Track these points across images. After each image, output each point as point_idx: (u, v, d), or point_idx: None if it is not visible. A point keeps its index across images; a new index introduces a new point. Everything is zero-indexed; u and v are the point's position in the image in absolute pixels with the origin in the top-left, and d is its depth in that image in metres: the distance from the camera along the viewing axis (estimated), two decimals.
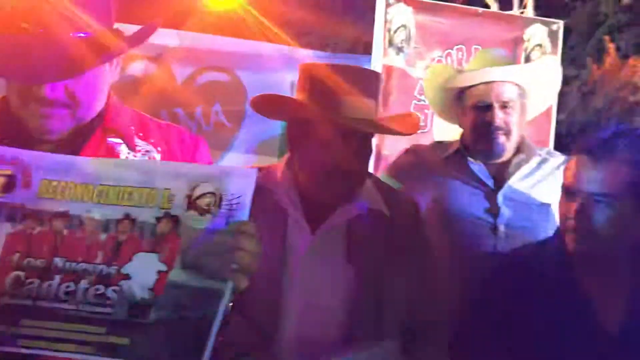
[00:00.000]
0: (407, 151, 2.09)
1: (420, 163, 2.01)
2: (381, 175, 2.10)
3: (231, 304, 0.93)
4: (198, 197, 0.92)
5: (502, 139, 1.89)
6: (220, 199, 0.92)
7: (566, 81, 4.15)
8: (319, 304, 1.37)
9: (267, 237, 1.17)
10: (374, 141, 2.40)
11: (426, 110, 2.62)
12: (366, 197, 1.44)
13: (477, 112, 1.90)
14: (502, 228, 1.88)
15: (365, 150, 1.41)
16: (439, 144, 2.11)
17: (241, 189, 0.92)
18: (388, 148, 2.45)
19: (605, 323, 1.38)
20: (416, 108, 2.60)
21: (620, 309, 1.39)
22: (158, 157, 1.19)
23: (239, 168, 1.14)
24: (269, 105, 1.45)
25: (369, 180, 1.48)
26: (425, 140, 2.61)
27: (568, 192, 1.41)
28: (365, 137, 1.40)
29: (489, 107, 1.87)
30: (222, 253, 0.89)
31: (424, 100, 2.60)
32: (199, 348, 0.84)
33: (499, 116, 1.86)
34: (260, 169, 1.34)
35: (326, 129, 1.34)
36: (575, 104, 4.30)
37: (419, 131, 2.56)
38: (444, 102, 2.03)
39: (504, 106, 1.87)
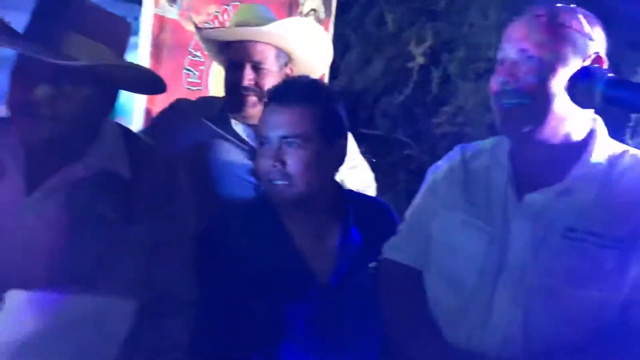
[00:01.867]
0: (170, 107, 1.97)
1: (183, 120, 1.90)
2: (139, 131, 1.97)
3: None
4: None
5: (252, 100, 1.84)
6: None
7: (347, 48, 4.31)
8: (26, 277, 1.20)
9: None
10: (143, 95, 2.27)
11: (201, 67, 2.51)
12: (103, 156, 1.29)
13: (230, 70, 1.84)
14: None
15: (101, 101, 1.26)
16: (205, 101, 2.03)
17: None
18: (159, 104, 2.30)
19: (317, 271, 1.49)
20: (191, 64, 2.48)
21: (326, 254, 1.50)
22: None
23: None
24: None
25: (114, 138, 1.34)
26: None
27: (262, 140, 1.49)
28: (99, 86, 1.23)
29: (240, 67, 1.82)
30: None
31: (199, 56, 2.50)
32: None
33: (248, 77, 1.82)
34: None
35: (41, 68, 1.15)
36: (353, 71, 4.49)
37: (193, 88, 2.47)
38: (215, 56, 1.96)
39: (256, 67, 1.82)
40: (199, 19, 2.47)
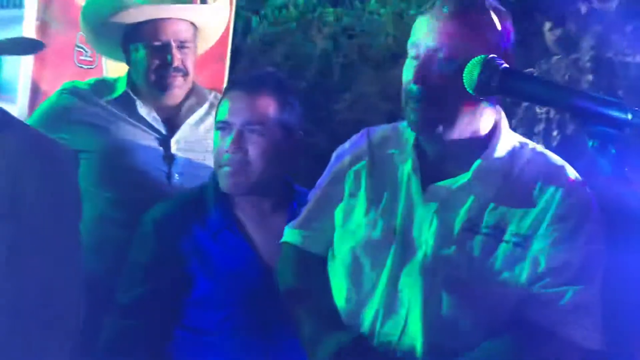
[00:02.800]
0: (61, 92, 1.85)
1: (78, 105, 1.79)
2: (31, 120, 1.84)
3: None
4: None
5: (179, 80, 1.80)
6: None
7: (249, 31, 4.26)
8: None
9: None
10: (29, 71, 2.12)
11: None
12: None
13: (152, 50, 1.76)
14: (176, 176, 1.80)
15: None
16: (102, 84, 1.93)
17: None
18: (48, 82, 2.15)
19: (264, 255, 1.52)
20: (82, 40, 2.32)
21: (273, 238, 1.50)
22: None
23: None
24: None
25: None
26: (93, 76, 2.37)
27: (223, 126, 1.51)
28: None
29: (165, 47, 1.76)
30: None
31: None
32: None
33: (177, 56, 1.77)
34: None
35: None
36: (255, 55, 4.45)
37: (85, 66, 2.33)
38: (108, 37, 1.83)
39: (181, 46, 1.78)
40: None
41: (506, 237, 1.23)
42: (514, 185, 1.27)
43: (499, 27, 1.23)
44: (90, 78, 2.10)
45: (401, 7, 3.69)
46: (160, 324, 1.48)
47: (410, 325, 1.26)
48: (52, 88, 2.21)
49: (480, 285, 1.24)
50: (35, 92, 2.17)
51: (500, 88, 1.09)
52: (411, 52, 1.26)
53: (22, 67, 2.13)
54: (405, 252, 1.28)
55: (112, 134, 1.78)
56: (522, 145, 1.33)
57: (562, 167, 1.30)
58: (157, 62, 1.79)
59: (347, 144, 1.48)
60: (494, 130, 1.32)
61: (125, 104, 1.81)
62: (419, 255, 1.27)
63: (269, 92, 1.51)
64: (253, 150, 1.48)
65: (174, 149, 1.85)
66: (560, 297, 1.21)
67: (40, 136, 1.38)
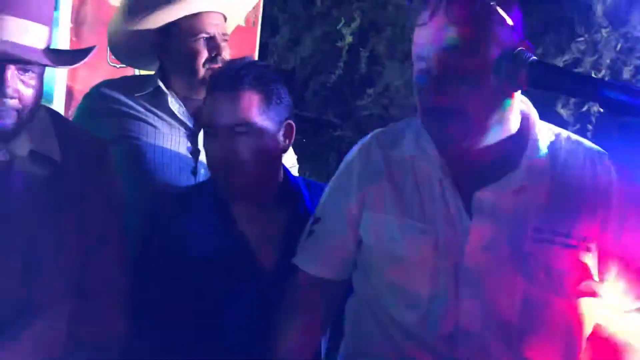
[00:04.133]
0: (96, 88, 1.89)
1: (111, 100, 1.83)
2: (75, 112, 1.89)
3: None
4: None
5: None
6: None
7: (276, 28, 4.29)
8: None
9: None
10: (64, 72, 2.18)
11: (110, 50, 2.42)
12: (32, 139, 1.25)
13: (201, 44, 1.78)
14: (202, 171, 1.82)
15: (40, 83, 1.21)
16: (133, 80, 1.96)
17: None
18: (81, 82, 2.20)
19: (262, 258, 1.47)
20: None
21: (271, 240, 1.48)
22: None
23: None
24: None
25: (43, 121, 1.29)
26: (125, 75, 2.42)
27: (209, 131, 1.45)
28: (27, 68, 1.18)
29: (213, 39, 1.78)
30: None
31: None
32: None
33: (225, 49, 1.79)
34: None
35: None
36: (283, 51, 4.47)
37: (118, 65, 2.38)
38: (142, 38, 1.86)
39: (224, 39, 1.80)
40: None
41: (572, 242, 1.13)
42: (564, 181, 1.16)
43: (508, 19, 1.11)
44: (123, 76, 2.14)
45: None
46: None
47: (477, 344, 1.16)
48: (86, 87, 2.26)
49: (553, 298, 1.14)
50: (70, 91, 2.23)
51: (530, 81, 1.08)
52: (419, 64, 1.15)
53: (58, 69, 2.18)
54: (458, 268, 1.15)
55: (143, 128, 1.81)
56: (557, 136, 1.22)
57: (603, 155, 1.19)
58: (206, 55, 1.80)
59: (355, 151, 1.33)
60: (527, 123, 1.20)
61: (157, 99, 1.83)
62: (475, 270, 1.14)
63: (251, 87, 1.42)
64: (243, 152, 1.41)
65: (200, 143, 1.88)
66: None
67: (79, 129, 1.43)
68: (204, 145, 1.51)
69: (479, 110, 1.12)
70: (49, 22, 1.21)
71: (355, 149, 1.33)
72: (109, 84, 1.88)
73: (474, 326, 1.14)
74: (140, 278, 1.40)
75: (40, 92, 1.22)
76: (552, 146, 1.19)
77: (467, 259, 1.15)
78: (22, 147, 1.23)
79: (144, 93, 1.82)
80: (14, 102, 1.15)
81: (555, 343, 1.16)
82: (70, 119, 1.94)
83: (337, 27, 4.22)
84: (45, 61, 1.16)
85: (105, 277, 1.32)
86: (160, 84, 1.82)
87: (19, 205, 1.22)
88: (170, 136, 1.82)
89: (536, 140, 1.18)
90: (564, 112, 3.60)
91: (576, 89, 1.10)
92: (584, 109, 3.60)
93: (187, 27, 1.77)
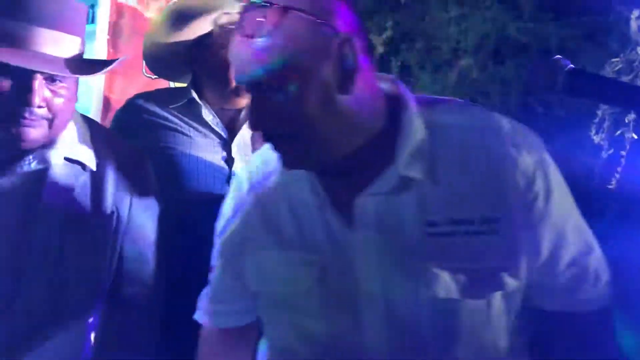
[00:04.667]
0: (133, 99, 1.92)
1: (147, 112, 1.86)
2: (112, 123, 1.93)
3: None
4: None
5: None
6: None
7: None
8: None
9: None
10: (101, 82, 2.22)
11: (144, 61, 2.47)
12: (68, 147, 1.27)
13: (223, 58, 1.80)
14: None
15: (73, 93, 1.23)
16: (168, 92, 1.99)
17: None
18: (117, 93, 2.25)
19: None
20: None
21: None
22: None
23: None
24: None
25: (76, 126, 1.32)
26: (159, 85, 2.46)
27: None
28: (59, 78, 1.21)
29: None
30: None
31: None
32: None
33: None
34: None
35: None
36: None
37: (153, 76, 2.42)
38: (176, 50, 1.88)
39: None
40: (157, 5, 2.43)
41: (478, 227, 0.96)
42: (452, 163, 0.98)
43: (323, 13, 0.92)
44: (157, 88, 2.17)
45: (461, 11, 3.66)
46: None
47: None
48: (122, 98, 2.31)
49: (467, 301, 0.98)
50: (107, 101, 2.28)
51: (567, 89, 1.06)
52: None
53: (94, 79, 2.23)
54: (354, 292, 1.00)
55: (178, 138, 1.84)
56: (435, 112, 1.02)
57: (493, 121, 1.02)
58: (219, 68, 1.82)
59: (228, 198, 1.20)
60: (397, 107, 1.00)
61: (191, 110, 1.85)
62: (374, 289, 0.99)
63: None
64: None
65: (234, 152, 1.89)
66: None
67: (116, 137, 1.45)
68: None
69: (315, 121, 0.93)
70: (80, 32, 1.23)
71: (230, 188, 1.21)
72: (143, 96, 1.91)
73: (382, 356, 1.00)
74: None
75: (71, 101, 1.23)
76: (430, 124, 1.00)
77: (362, 280, 0.99)
78: (57, 155, 1.25)
79: (178, 104, 1.85)
80: (42, 111, 1.17)
81: (479, 351, 1.00)
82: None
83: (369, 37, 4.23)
84: (64, 72, 1.17)
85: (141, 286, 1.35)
86: (194, 95, 1.85)
87: (54, 212, 1.23)
88: (205, 146, 1.84)
89: (408, 125, 0.98)
90: (597, 138, 3.54)
91: (617, 96, 1.08)
92: (617, 133, 3.53)
93: (219, 36, 1.79)
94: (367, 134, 0.98)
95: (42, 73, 1.15)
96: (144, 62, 2.38)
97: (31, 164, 1.23)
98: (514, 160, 0.97)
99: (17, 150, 1.21)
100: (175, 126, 1.84)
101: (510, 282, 0.98)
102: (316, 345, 1.04)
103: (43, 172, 1.24)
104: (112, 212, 1.30)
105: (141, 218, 1.36)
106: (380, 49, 4.18)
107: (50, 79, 1.17)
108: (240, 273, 1.12)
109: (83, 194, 1.27)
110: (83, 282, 1.26)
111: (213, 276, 1.22)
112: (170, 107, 1.85)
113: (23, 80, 1.14)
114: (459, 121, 1.01)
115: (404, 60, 4.29)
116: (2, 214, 1.20)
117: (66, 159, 1.27)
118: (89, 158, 1.30)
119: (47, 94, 1.17)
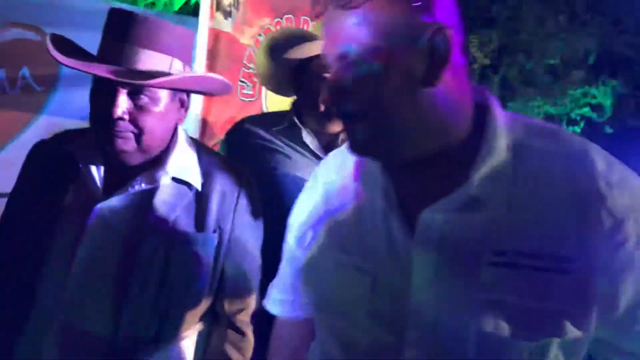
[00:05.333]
0: (242, 121, 2.03)
1: (253, 135, 1.96)
2: (220, 145, 2.04)
3: None
4: None
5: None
6: None
7: None
8: (91, 283, 1.26)
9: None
10: (199, 105, 2.35)
11: (255, 79, 2.58)
12: (175, 168, 1.34)
13: (322, 82, 1.86)
14: None
15: (161, 110, 1.30)
16: (272, 116, 2.08)
17: None
18: (214, 115, 2.37)
19: None
20: (245, 75, 2.54)
21: None
22: None
23: None
24: None
25: (184, 148, 1.39)
26: (253, 108, 2.58)
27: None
28: (172, 98, 1.30)
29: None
30: None
31: (252, 68, 2.56)
32: None
33: None
34: None
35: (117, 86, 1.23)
36: None
37: (247, 99, 2.53)
38: (280, 71, 1.97)
39: None
40: (251, 32, 2.54)
41: (548, 264, 0.87)
42: (531, 191, 0.90)
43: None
44: (258, 113, 2.26)
45: (560, 25, 3.53)
46: None
47: None
48: (218, 119, 2.44)
49: (521, 342, 0.87)
50: (204, 122, 2.41)
51: None
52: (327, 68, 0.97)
53: (193, 101, 2.36)
54: (401, 311, 0.93)
55: (280, 159, 1.91)
56: (523, 131, 0.94)
57: (586, 149, 0.92)
58: (316, 93, 1.88)
59: (303, 191, 1.19)
60: (483, 119, 0.93)
61: (292, 132, 1.93)
62: (425, 313, 0.92)
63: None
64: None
65: None
66: None
67: (222, 158, 1.50)
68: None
69: (393, 109, 0.88)
70: (174, 52, 1.29)
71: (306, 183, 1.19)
72: (250, 120, 2.02)
73: None
74: None
75: (161, 118, 1.28)
76: (516, 145, 0.92)
77: (414, 296, 0.92)
78: (166, 175, 1.32)
79: (281, 127, 1.93)
80: (126, 124, 1.24)
81: None
82: None
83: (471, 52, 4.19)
84: (130, 79, 1.22)
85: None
86: (295, 119, 1.93)
87: (160, 230, 1.29)
88: (304, 166, 1.90)
89: (491, 142, 0.91)
90: None
91: None
92: None
93: (318, 65, 1.85)
94: (444, 139, 0.91)
95: (123, 87, 1.22)
96: (239, 85, 2.51)
97: (141, 184, 1.30)
98: (603, 197, 0.87)
99: (121, 164, 1.30)
100: (277, 147, 1.92)
101: (572, 330, 0.86)
102: (355, 356, 0.98)
103: (152, 192, 1.31)
104: (215, 231, 1.35)
105: (244, 237, 1.40)
106: (480, 63, 4.12)
107: (134, 92, 1.24)
108: (299, 267, 1.10)
109: (188, 213, 1.33)
110: (186, 299, 1.32)
111: (281, 265, 1.22)
112: (273, 129, 1.94)
113: (111, 94, 1.22)
114: (548, 147, 0.92)
115: (505, 75, 4.19)
116: (113, 231, 1.28)
117: (174, 179, 1.33)
118: (195, 178, 1.35)
119: (130, 106, 1.23)
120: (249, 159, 1.85)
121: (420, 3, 0.86)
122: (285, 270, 1.19)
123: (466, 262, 0.89)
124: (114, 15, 1.28)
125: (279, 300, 1.21)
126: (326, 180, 1.10)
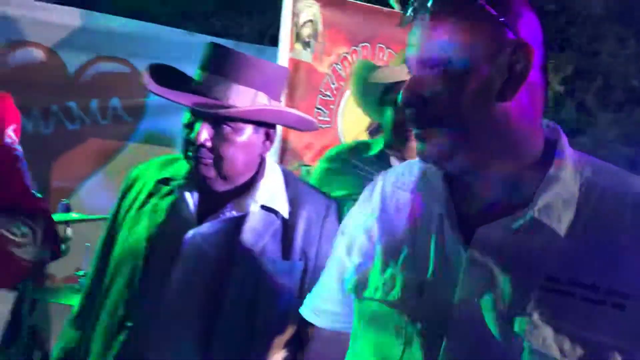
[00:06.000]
0: (335, 151, 2.07)
1: (346, 163, 2.00)
2: (302, 172, 2.08)
3: None
4: None
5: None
6: None
7: None
8: (188, 306, 1.31)
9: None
10: (279, 132, 2.41)
11: (331, 106, 2.63)
12: (264, 196, 1.39)
13: (398, 109, 1.89)
14: None
15: (260, 142, 1.36)
16: (363, 144, 2.12)
17: None
18: (293, 141, 2.43)
19: None
20: (321, 103, 2.60)
21: None
22: None
23: None
24: None
25: (272, 177, 1.43)
26: (329, 135, 2.62)
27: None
28: (258, 129, 1.35)
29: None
30: None
31: (329, 96, 2.61)
32: None
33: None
34: None
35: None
36: None
37: (323, 126, 2.58)
38: (369, 97, 2.01)
39: None
40: (329, 60, 2.60)
41: (603, 297, 0.86)
42: (593, 224, 0.90)
43: (499, 16, 0.89)
44: (334, 139, 2.27)
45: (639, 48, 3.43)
46: None
47: None
48: (297, 145, 2.49)
49: None
50: (283, 149, 2.47)
51: None
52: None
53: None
54: (444, 326, 0.93)
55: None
56: (590, 167, 0.96)
57: None
58: (401, 120, 1.90)
59: (358, 200, 1.20)
60: (552, 150, 0.95)
61: (381, 160, 1.95)
62: (466, 330, 0.91)
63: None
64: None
65: None
66: None
67: (309, 187, 1.54)
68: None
69: (470, 118, 0.90)
70: (259, 86, 1.34)
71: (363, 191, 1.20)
72: (344, 148, 2.06)
73: None
74: None
75: (243, 148, 1.33)
76: (582, 179, 0.93)
77: (458, 306, 0.92)
78: (254, 203, 1.37)
79: (371, 155, 1.97)
80: (206, 151, 1.30)
81: None
82: None
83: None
84: (203, 107, 1.28)
85: None
86: (384, 146, 1.96)
87: (249, 257, 1.34)
88: None
89: (559, 170, 0.92)
90: None
91: None
92: None
93: (392, 92, 1.87)
94: (516, 158, 0.93)
95: (205, 118, 1.29)
96: (315, 112, 2.56)
97: (232, 211, 1.36)
98: None
99: (210, 190, 1.36)
100: (367, 175, 1.95)
101: None
102: None
103: (241, 219, 1.36)
104: (301, 259, 1.38)
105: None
106: (556, 87, 4.04)
107: (215, 122, 1.30)
108: (345, 276, 1.09)
109: (275, 240, 1.37)
110: (272, 325, 1.35)
111: (324, 272, 1.21)
112: (364, 156, 1.97)
113: (198, 122, 1.30)
114: (617, 188, 0.93)
115: (581, 100, 4.09)
116: (205, 257, 1.33)
117: (262, 207, 1.38)
118: (282, 206, 1.39)
119: (212, 134, 1.29)
120: (343, 186, 1.88)
121: (505, 19, 0.89)
122: (330, 278, 1.18)
123: (517, 280, 0.89)
124: (207, 48, 1.36)
125: (322, 310, 1.19)
126: (381, 191, 1.11)
